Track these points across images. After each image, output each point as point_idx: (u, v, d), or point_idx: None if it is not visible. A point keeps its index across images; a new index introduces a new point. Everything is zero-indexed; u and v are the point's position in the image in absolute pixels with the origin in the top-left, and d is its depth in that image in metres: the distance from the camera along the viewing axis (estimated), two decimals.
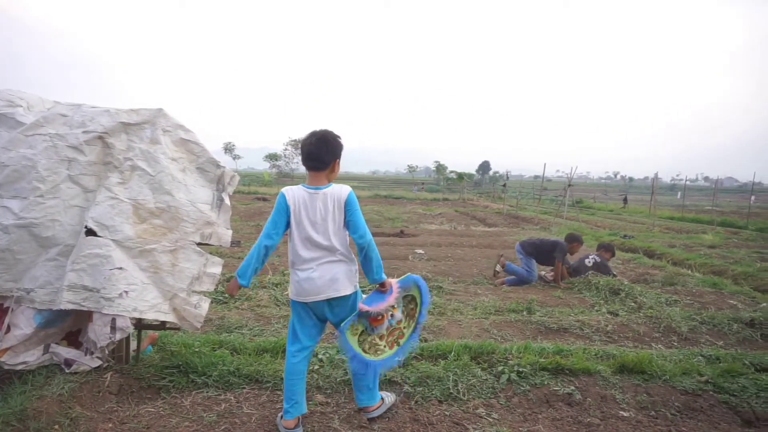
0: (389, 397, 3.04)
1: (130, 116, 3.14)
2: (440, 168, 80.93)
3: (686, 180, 34.51)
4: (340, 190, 2.70)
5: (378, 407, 2.91)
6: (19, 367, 2.98)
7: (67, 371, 3.03)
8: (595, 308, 5.81)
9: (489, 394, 3.26)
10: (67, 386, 2.85)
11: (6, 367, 2.96)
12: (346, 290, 2.72)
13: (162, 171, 3.08)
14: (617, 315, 5.49)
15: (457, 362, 3.54)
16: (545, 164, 21.17)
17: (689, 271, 8.31)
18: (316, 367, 3.44)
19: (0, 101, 3.02)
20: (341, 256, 2.71)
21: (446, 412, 3.03)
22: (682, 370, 3.60)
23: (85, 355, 3.12)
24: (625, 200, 38.24)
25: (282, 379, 3.24)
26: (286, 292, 5.80)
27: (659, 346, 4.65)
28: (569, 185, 18.64)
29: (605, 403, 3.24)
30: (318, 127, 3.58)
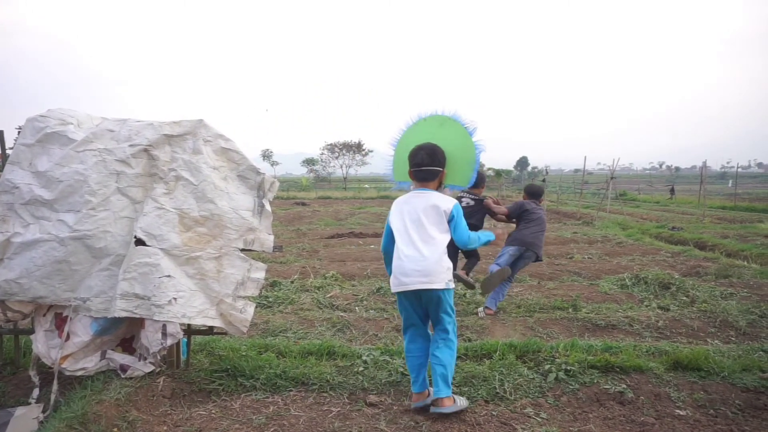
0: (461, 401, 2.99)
1: (173, 128, 3.25)
2: None
3: (738, 167, 32.90)
4: None
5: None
6: (79, 373, 3.13)
7: (122, 376, 3.15)
8: (645, 303, 5.61)
9: (537, 394, 3.20)
10: (124, 391, 2.97)
11: (67, 373, 3.11)
12: None
13: (204, 180, 3.17)
14: (668, 310, 5.29)
15: (502, 361, 3.49)
16: (585, 157, 20.66)
17: (745, 263, 7.92)
18: (361, 368, 3.46)
19: (52, 120, 3.17)
20: None
21: (493, 412, 2.98)
22: (743, 367, 3.43)
23: (139, 360, 3.24)
24: (672, 191, 36.78)
25: (327, 381, 3.28)
26: (328, 295, 5.85)
27: (715, 341, 4.45)
28: (612, 177, 18.15)
29: (659, 402, 3.12)
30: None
